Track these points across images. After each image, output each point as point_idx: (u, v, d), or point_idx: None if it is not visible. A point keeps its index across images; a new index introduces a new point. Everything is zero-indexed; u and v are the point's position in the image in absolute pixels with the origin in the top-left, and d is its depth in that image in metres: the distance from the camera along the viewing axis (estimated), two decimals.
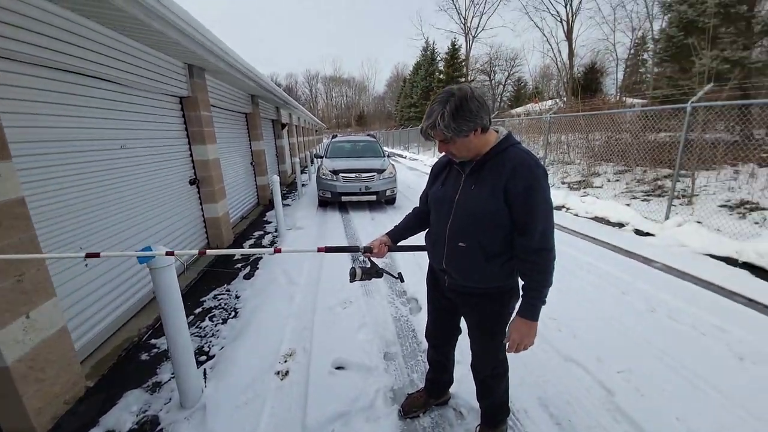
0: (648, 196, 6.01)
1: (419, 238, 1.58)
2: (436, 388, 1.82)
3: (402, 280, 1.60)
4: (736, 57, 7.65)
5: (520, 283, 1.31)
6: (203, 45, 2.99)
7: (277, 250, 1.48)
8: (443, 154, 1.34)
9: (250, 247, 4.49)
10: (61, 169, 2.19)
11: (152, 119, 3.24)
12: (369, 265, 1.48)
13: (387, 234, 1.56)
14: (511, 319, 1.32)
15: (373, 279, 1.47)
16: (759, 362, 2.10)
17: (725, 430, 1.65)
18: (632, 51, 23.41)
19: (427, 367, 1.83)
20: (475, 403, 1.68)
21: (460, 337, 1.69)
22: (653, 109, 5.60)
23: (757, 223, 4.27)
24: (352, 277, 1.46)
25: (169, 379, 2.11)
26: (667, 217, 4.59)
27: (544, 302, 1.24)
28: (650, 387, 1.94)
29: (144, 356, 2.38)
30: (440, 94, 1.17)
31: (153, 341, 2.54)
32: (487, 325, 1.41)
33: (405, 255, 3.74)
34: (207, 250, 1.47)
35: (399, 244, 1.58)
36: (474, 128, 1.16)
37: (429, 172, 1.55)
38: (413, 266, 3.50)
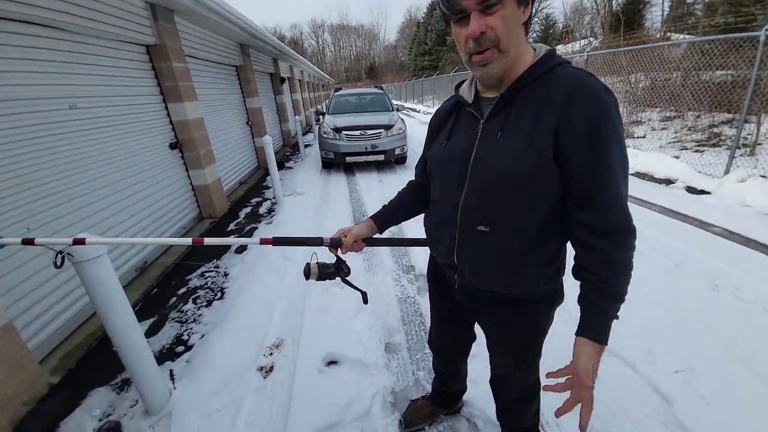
0: (701, 146, 5.17)
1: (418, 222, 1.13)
2: (443, 399, 1.46)
3: (366, 302, 1.12)
4: None
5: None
6: None
7: (197, 241, 1.03)
8: (445, 100, 0.90)
9: (246, 215, 4.14)
10: None
11: (111, 72, 2.75)
12: (333, 263, 1.04)
13: (371, 218, 1.09)
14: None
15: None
16: None
17: None
18: None
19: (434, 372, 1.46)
20: (493, 413, 1.32)
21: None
22: (718, 38, 4.55)
23: None
24: (306, 275, 1.04)
25: None
26: (727, 171, 3.87)
27: (617, 316, 0.77)
28: (719, 392, 1.52)
29: None
30: None
31: None
32: (515, 342, 0.98)
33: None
34: (87, 238, 1.03)
35: (389, 230, 1.13)
36: None
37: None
38: (419, 233, 3.05)
